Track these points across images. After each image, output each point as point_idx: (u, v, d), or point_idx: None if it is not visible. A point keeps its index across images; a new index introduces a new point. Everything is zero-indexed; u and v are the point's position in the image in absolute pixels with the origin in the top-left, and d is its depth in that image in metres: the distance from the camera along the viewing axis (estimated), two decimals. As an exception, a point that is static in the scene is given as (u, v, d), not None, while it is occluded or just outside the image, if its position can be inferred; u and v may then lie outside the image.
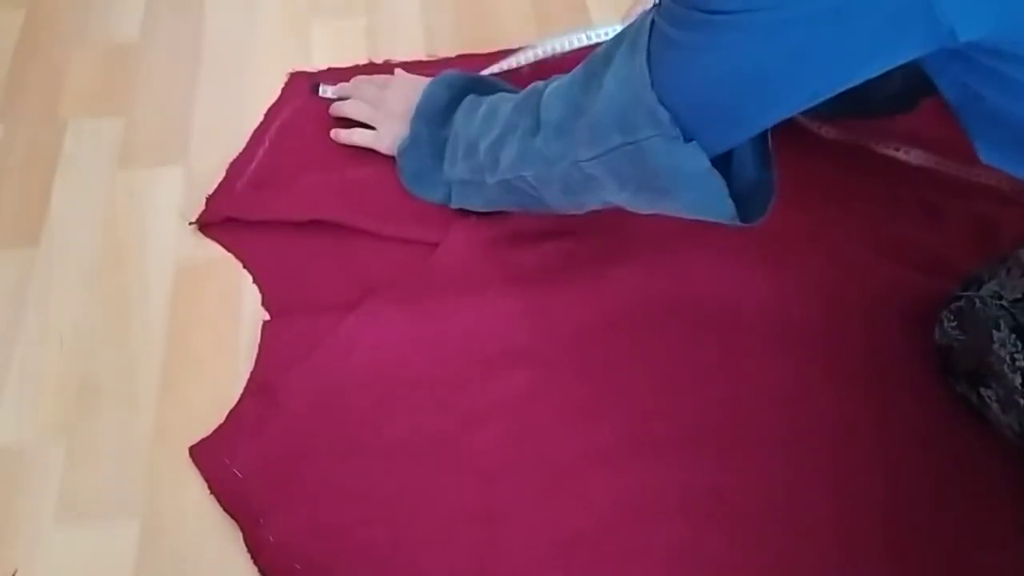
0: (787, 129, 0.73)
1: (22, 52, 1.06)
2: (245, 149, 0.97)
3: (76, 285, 0.89)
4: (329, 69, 1.04)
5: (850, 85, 0.63)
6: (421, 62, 1.04)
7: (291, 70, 1.04)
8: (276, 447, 0.78)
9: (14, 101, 1.02)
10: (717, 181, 0.69)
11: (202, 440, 0.79)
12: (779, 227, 0.88)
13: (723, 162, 0.70)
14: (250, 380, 0.82)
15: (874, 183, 0.95)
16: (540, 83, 0.81)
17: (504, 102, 0.84)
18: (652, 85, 0.66)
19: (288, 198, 0.93)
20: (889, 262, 0.88)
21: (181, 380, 0.82)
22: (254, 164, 0.96)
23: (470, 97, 0.89)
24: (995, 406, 0.75)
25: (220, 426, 0.79)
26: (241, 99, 1.02)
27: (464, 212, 0.90)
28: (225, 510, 0.76)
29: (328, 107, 0.98)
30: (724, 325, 0.85)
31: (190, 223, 0.92)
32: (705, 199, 0.71)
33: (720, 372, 0.82)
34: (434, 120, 0.90)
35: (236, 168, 0.96)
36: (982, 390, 0.76)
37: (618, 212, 0.84)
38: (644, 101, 0.67)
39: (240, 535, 0.74)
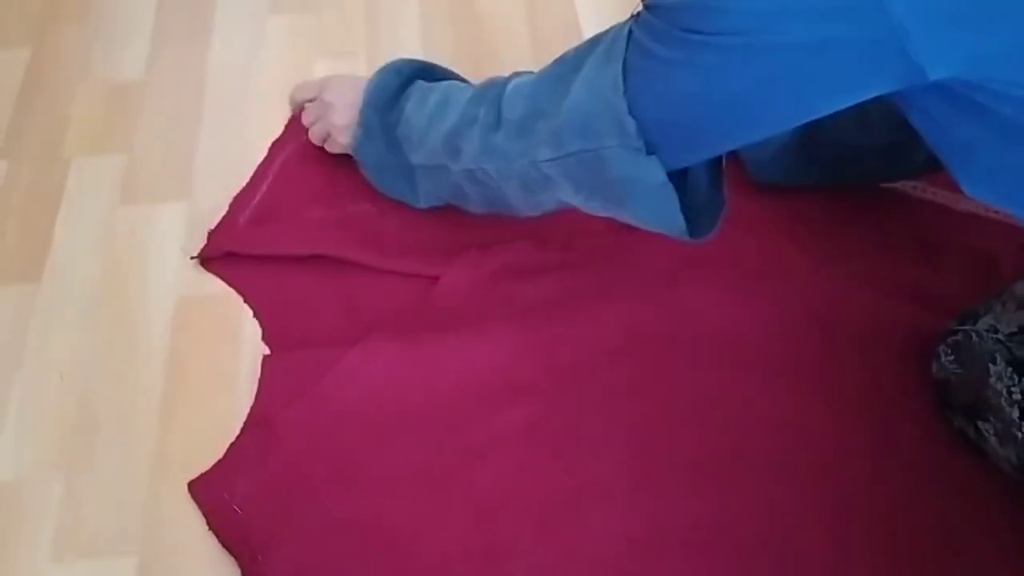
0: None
1: (27, 90, 1.08)
2: (248, 184, 0.98)
3: (77, 320, 0.89)
4: None
5: (815, 116, 0.64)
6: None
7: (294, 107, 1.05)
8: (275, 482, 0.78)
9: (19, 138, 1.03)
10: (671, 195, 0.70)
11: (201, 475, 0.79)
12: (778, 261, 0.89)
13: (677, 177, 0.71)
14: (250, 414, 0.82)
15: (873, 216, 0.95)
16: (501, 77, 0.82)
17: (458, 90, 0.84)
18: (624, 93, 0.67)
19: (289, 233, 0.94)
20: (887, 296, 0.89)
21: (181, 414, 0.83)
22: (256, 199, 0.97)
23: (418, 83, 0.89)
24: (993, 439, 0.75)
25: (219, 460, 0.79)
26: (243, 136, 1.03)
27: (464, 246, 0.91)
28: (224, 545, 0.76)
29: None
30: (723, 357, 0.85)
31: (192, 257, 0.92)
32: (657, 212, 0.72)
33: (720, 404, 0.83)
34: (385, 108, 0.89)
35: (238, 203, 0.96)
36: (979, 423, 0.76)
37: (617, 244, 0.84)
38: (613, 108, 0.68)
39: (239, 571, 0.74)
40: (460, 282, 0.90)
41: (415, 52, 1.11)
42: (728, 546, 0.75)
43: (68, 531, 0.77)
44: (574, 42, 1.11)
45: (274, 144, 1.02)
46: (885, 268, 0.91)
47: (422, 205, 0.91)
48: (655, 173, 0.69)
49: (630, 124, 0.67)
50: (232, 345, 0.87)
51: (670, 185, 0.70)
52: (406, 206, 0.93)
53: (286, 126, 1.03)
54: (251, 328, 0.88)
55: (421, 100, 0.86)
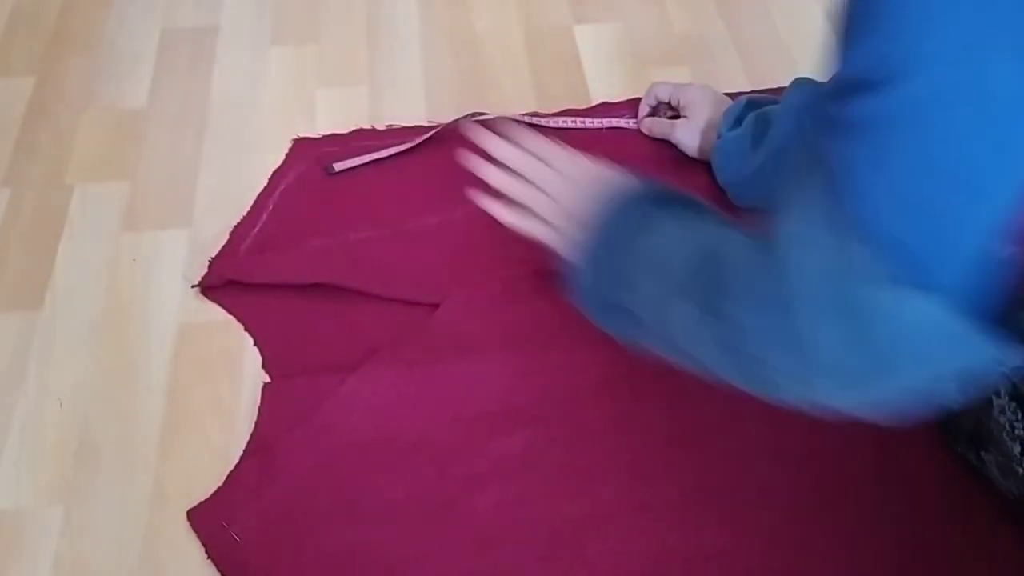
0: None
1: (31, 118, 1.08)
2: (249, 213, 0.98)
3: (78, 347, 0.89)
4: (331, 135, 1.06)
5: None
6: (421, 127, 1.06)
7: (295, 136, 1.06)
8: (275, 510, 0.77)
9: (22, 166, 1.03)
10: (974, 334, 0.52)
11: (200, 503, 0.78)
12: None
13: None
14: (250, 442, 0.82)
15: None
16: (720, 243, 0.64)
17: (682, 244, 0.66)
18: (859, 227, 0.52)
19: (290, 261, 0.94)
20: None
21: (181, 443, 0.82)
22: (257, 228, 0.97)
23: (654, 219, 0.71)
24: (995, 470, 0.75)
25: (219, 489, 0.79)
26: (246, 165, 1.03)
27: (463, 272, 0.91)
28: (221, 574, 0.75)
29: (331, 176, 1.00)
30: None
31: (193, 286, 0.92)
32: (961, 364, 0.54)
33: (720, 432, 0.82)
34: (616, 246, 0.72)
35: (239, 232, 0.97)
36: (982, 453, 0.76)
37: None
38: (854, 260, 0.52)
39: (238, 602, 0.74)
40: (459, 309, 0.90)
41: (416, 82, 1.13)
42: (730, 575, 0.75)
43: (67, 561, 0.76)
44: (574, 71, 1.15)
45: (275, 173, 1.02)
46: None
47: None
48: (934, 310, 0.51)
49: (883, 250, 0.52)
50: (234, 373, 0.87)
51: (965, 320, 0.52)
52: (406, 233, 0.94)
53: (287, 155, 1.04)
54: (252, 358, 0.88)
55: (646, 245, 0.69)
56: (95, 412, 0.85)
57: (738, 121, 0.95)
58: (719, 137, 0.96)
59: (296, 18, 1.21)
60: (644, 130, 1.05)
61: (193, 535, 0.77)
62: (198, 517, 0.78)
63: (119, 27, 1.19)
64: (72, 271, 0.95)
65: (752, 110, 0.95)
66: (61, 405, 0.85)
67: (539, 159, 0.80)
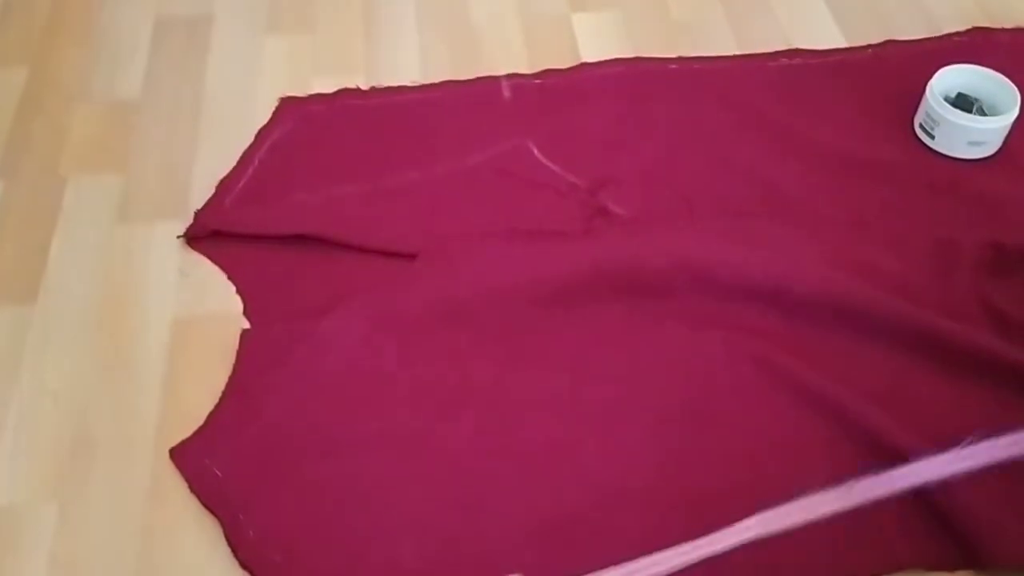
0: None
1: (25, 109, 1.08)
2: (235, 168, 1.00)
3: (72, 341, 0.88)
4: (317, 94, 1.08)
5: None
6: (404, 87, 1.09)
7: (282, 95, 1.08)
8: (254, 446, 0.79)
9: (16, 158, 1.03)
10: None
11: (182, 442, 0.80)
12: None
13: None
14: (228, 384, 0.83)
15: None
16: None
17: None
18: None
19: (274, 214, 0.96)
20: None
21: (177, 436, 0.81)
22: (243, 182, 0.99)
23: None
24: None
25: (200, 428, 0.80)
26: (240, 154, 1.02)
27: (440, 226, 0.94)
28: (205, 507, 0.76)
29: (319, 127, 1.04)
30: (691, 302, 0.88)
31: (178, 236, 0.94)
32: None
33: (686, 360, 0.85)
34: None
35: (225, 185, 0.99)
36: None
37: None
38: None
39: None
40: (434, 260, 0.91)
41: (413, 68, 1.12)
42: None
43: (63, 556, 0.75)
44: (571, 60, 1.13)
45: (261, 130, 1.04)
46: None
47: None
48: None
49: None
50: (228, 365, 0.86)
51: None
52: (385, 189, 0.97)
53: (273, 113, 1.06)
54: (247, 348, 0.87)
55: None
56: (90, 407, 0.84)
57: None
58: None
59: (291, 6, 1.20)
60: None
61: (190, 530, 0.76)
62: (181, 455, 0.79)
63: (113, 16, 1.18)
64: (66, 264, 0.94)
65: None
66: (56, 399, 0.84)
67: None
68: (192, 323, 0.89)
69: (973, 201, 0.97)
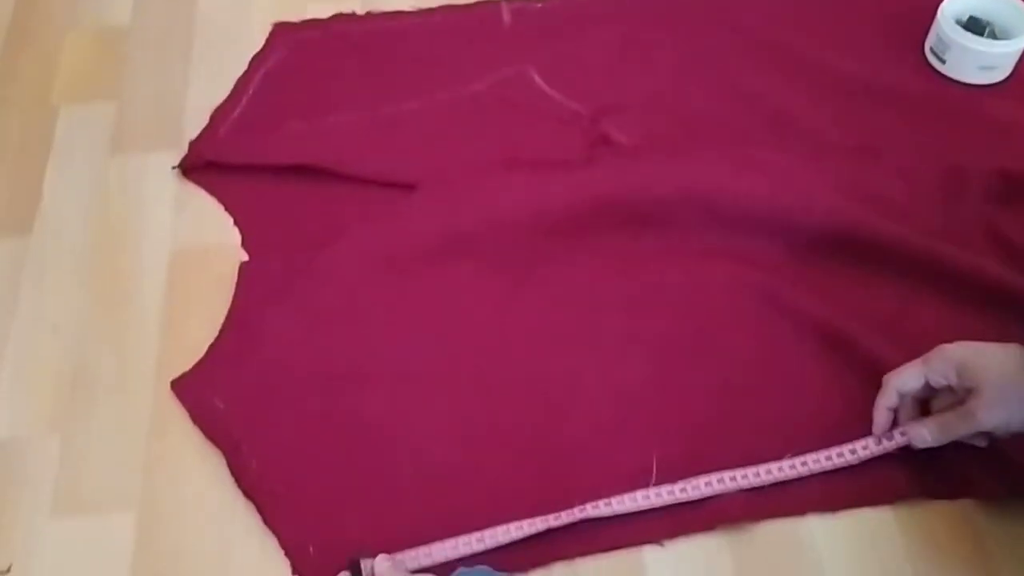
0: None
1: (14, 37, 1.05)
2: (229, 97, 0.98)
3: (70, 273, 0.87)
4: (311, 20, 1.06)
5: None
6: (401, 12, 1.07)
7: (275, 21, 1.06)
8: (255, 377, 0.79)
9: (5, 88, 1.01)
10: None
11: (183, 374, 0.79)
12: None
13: None
14: (228, 317, 0.83)
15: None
16: None
17: None
18: None
19: (270, 144, 0.94)
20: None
21: (177, 368, 0.80)
22: (237, 111, 0.97)
23: None
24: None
25: (201, 360, 0.80)
26: (235, 80, 1.00)
27: (438, 156, 0.93)
28: (207, 437, 0.76)
29: (314, 54, 1.02)
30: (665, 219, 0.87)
31: (173, 167, 0.92)
32: None
33: (689, 291, 0.84)
34: None
35: (220, 115, 0.97)
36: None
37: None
38: None
39: (240, 526, 0.74)
40: (433, 190, 0.90)
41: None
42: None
43: (66, 488, 0.74)
44: None
45: (255, 58, 1.02)
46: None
47: None
48: None
49: None
50: (228, 298, 0.85)
51: None
52: (383, 117, 0.96)
53: (267, 40, 1.04)
54: (247, 281, 0.87)
55: None
56: (89, 339, 0.83)
57: None
58: None
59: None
60: (922, 443, 0.72)
61: (192, 461, 0.76)
62: (181, 387, 0.79)
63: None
64: (61, 195, 0.92)
65: None
66: (55, 331, 0.84)
67: None
68: (190, 255, 0.88)
69: (983, 127, 0.96)
